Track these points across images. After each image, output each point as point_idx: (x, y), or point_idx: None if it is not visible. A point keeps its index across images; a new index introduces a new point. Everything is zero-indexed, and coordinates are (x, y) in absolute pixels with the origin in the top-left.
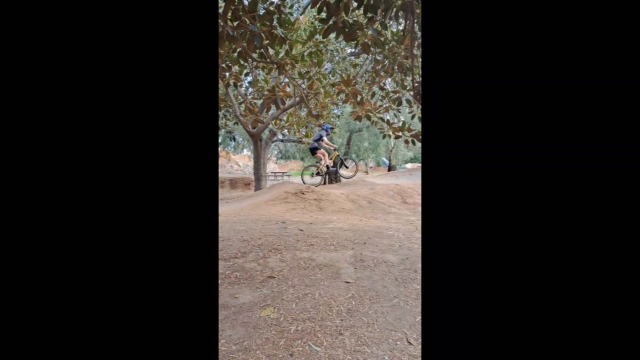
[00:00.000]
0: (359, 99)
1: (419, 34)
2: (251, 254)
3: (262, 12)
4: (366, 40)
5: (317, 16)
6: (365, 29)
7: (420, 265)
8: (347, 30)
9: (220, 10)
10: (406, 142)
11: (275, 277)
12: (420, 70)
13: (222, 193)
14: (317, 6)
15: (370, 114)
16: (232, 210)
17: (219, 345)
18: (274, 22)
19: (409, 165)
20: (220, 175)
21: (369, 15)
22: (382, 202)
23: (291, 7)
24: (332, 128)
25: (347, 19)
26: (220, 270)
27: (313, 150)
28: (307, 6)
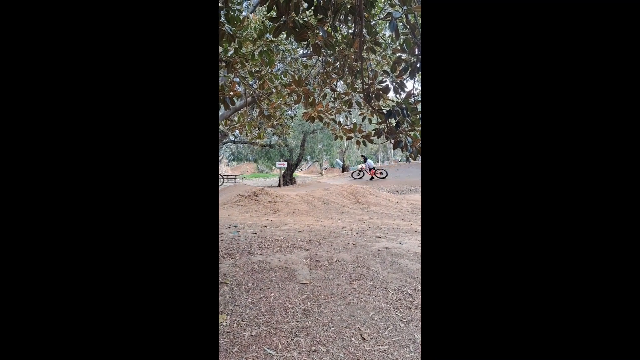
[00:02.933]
0: (310, 100)
1: (367, 37)
2: None
3: None
4: (317, 42)
5: (267, 15)
6: (315, 30)
7: (372, 262)
8: (297, 30)
9: None
10: (357, 143)
11: (227, 283)
12: (370, 73)
13: None
14: (267, 4)
15: (322, 115)
16: None
17: None
18: (221, 19)
19: (360, 167)
20: None
21: (319, 16)
22: (336, 202)
23: (240, 3)
24: None
25: (297, 19)
26: None
27: None
28: (257, 4)
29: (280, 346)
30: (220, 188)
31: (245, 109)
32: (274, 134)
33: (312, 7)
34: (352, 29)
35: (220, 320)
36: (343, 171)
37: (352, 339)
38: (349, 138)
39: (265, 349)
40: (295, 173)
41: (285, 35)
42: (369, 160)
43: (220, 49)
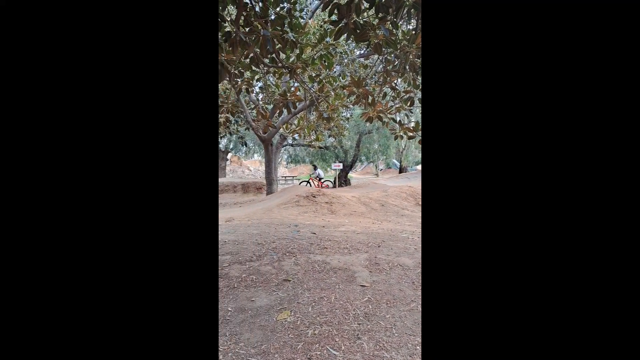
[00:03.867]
0: (369, 100)
1: None
2: (266, 257)
3: (273, 17)
4: (377, 41)
5: (328, 19)
6: (377, 29)
7: None
8: (358, 31)
9: (233, 17)
10: (420, 142)
11: (290, 281)
12: None
13: (235, 197)
14: (328, 9)
15: (381, 115)
16: (245, 214)
17: (237, 348)
18: (285, 27)
19: (419, 167)
20: (232, 180)
21: (380, 15)
22: (395, 204)
23: (301, 10)
24: None
25: (358, 19)
26: (236, 274)
27: None
28: (315, 10)
29: (343, 347)
30: (279, 188)
31: (304, 112)
32: (329, 136)
33: (374, 7)
34: (415, 24)
35: (284, 316)
36: (400, 172)
37: (418, 347)
38: (410, 137)
39: (329, 348)
40: (350, 174)
41: (344, 38)
42: (318, 169)
43: (282, 56)
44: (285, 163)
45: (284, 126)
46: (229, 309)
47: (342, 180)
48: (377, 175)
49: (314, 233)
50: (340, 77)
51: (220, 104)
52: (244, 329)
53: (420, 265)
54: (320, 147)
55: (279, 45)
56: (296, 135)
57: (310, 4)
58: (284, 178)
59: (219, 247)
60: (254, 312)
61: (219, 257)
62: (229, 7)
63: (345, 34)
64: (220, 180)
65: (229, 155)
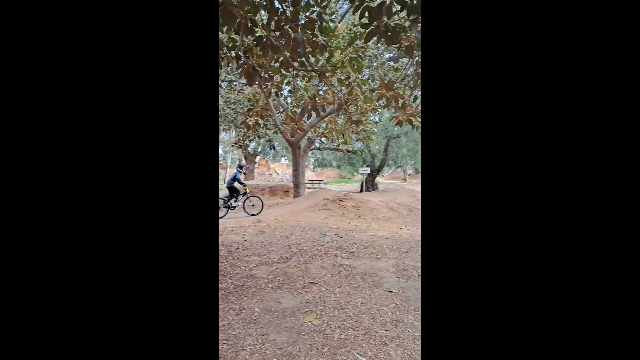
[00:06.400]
0: (400, 103)
1: None
2: (292, 259)
3: (303, 21)
4: (408, 43)
5: (358, 22)
6: (408, 32)
7: None
8: (389, 33)
9: (264, 22)
10: None
11: (316, 284)
12: None
13: (263, 200)
14: (359, 11)
15: (411, 119)
16: (273, 217)
17: (264, 349)
18: (316, 30)
19: None
20: (260, 183)
21: (412, 17)
22: None
23: (331, 14)
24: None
25: (389, 22)
26: (263, 275)
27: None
28: (345, 14)
29: (369, 353)
30: (307, 192)
31: (332, 115)
32: (357, 140)
33: (405, 9)
34: None
35: (310, 318)
36: None
37: None
38: None
39: (355, 353)
40: (377, 179)
41: (374, 41)
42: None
43: (312, 59)
44: (312, 167)
45: (312, 129)
46: (256, 309)
47: (370, 184)
48: (405, 180)
49: (341, 237)
50: (370, 80)
51: (250, 107)
52: (270, 330)
53: None
54: (348, 151)
55: (309, 48)
56: (324, 139)
57: (340, 7)
58: (310, 182)
59: (247, 247)
60: (281, 313)
61: (248, 257)
62: (260, 12)
63: (376, 37)
64: (249, 182)
65: (257, 158)
